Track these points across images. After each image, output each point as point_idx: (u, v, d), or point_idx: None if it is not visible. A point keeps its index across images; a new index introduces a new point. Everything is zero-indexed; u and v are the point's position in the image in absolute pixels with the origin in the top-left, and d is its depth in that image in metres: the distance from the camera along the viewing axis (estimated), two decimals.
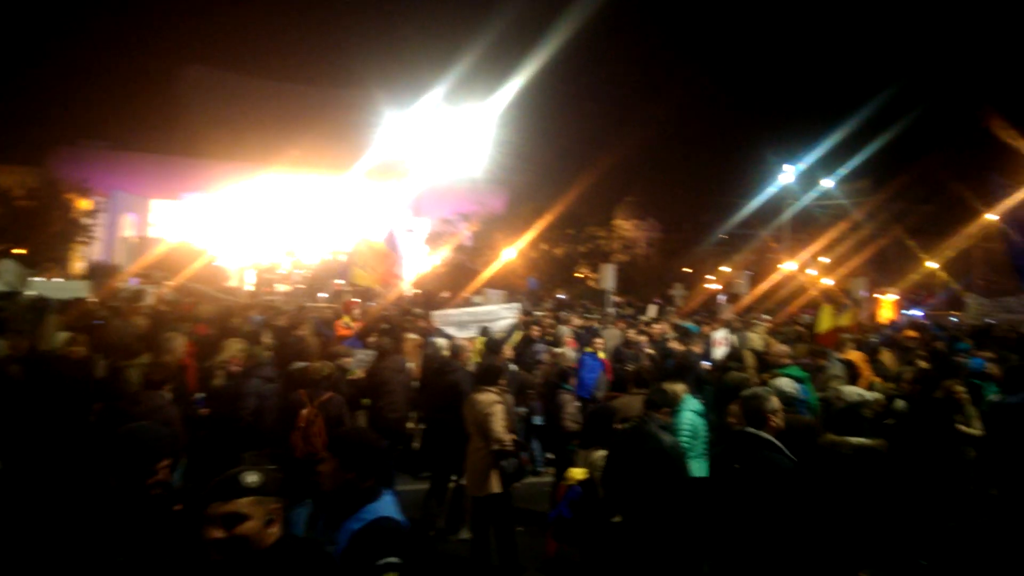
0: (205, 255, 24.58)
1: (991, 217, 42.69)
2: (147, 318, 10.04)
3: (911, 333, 12.53)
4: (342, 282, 25.34)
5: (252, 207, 39.21)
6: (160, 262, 22.23)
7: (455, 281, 36.02)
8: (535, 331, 11.11)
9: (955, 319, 22.34)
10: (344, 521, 2.80)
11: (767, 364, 8.37)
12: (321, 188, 38.20)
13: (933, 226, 53.72)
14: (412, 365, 8.39)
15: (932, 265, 45.11)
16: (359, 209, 37.65)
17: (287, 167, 38.10)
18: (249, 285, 24.70)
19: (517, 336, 11.23)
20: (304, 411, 6.01)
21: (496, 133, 31.60)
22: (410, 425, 8.08)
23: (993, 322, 18.02)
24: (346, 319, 11.95)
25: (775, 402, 4.40)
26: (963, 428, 6.96)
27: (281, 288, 24.03)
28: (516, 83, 28.08)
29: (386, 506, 2.85)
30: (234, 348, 7.08)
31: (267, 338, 9.02)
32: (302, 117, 37.83)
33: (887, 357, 8.84)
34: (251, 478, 2.43)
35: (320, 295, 23.14)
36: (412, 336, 9.65)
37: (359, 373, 8.03)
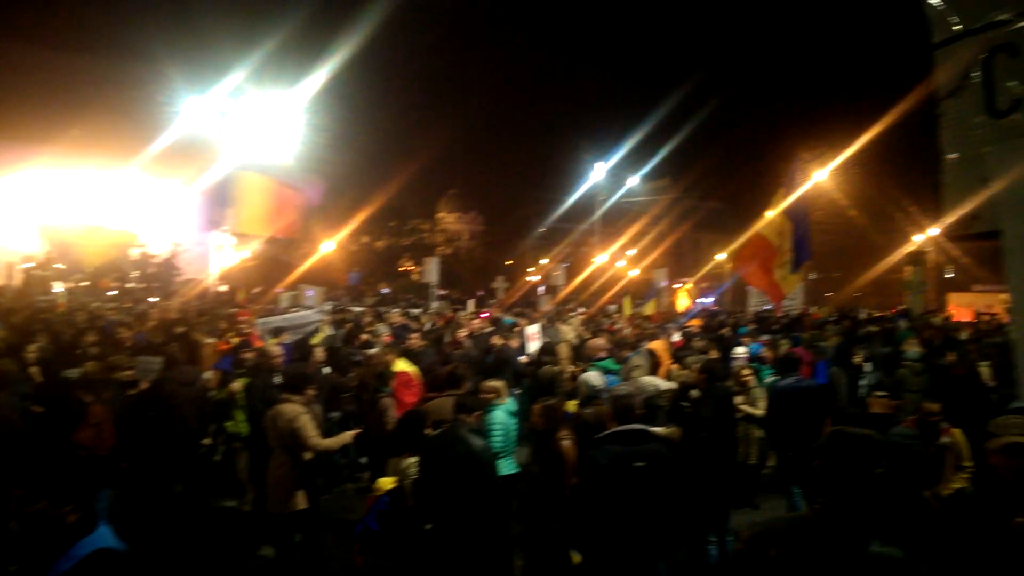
0: None
1: (769, 214, 48.59)
2: None
3: (695, 322, 13.73)
4: (136, 274, 22.88)
5: (23, 193, 34.17)
6: None
7: (267, 276, 34.04)
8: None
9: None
10: (54, 562, 2.50)
11: (585, 357, 8.67)
12: (107, 173, 34.10)
13: (719, 221, 59.94)
14: (209, 375, 7.63)
15: (721, 257, 50.03)
16: (152, 198, 34.12)
17: (66, 149, 33.58)
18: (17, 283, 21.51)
19: (320, 336, 10.72)
20: (94, 409, 5.90)
21: (311, 119, 30.12)
22: (207, 441, 7.37)
23: (768, 308, 20.31)
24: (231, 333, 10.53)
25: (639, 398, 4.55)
26: (748, 409, 7.69)
27: (57, 288, 21.15)
28: (332, 67, 26.88)
29: (103, 538, 2.61)
30: None
31: (34, 350, 7.84)
32: (81, 92, 33.28)
33: (658, 346, 9.53)
34: None
35: (109, 293, 20.73)
36: (209, 340, 8.83)
37: (143, 384, 7.17)
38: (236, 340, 9.38)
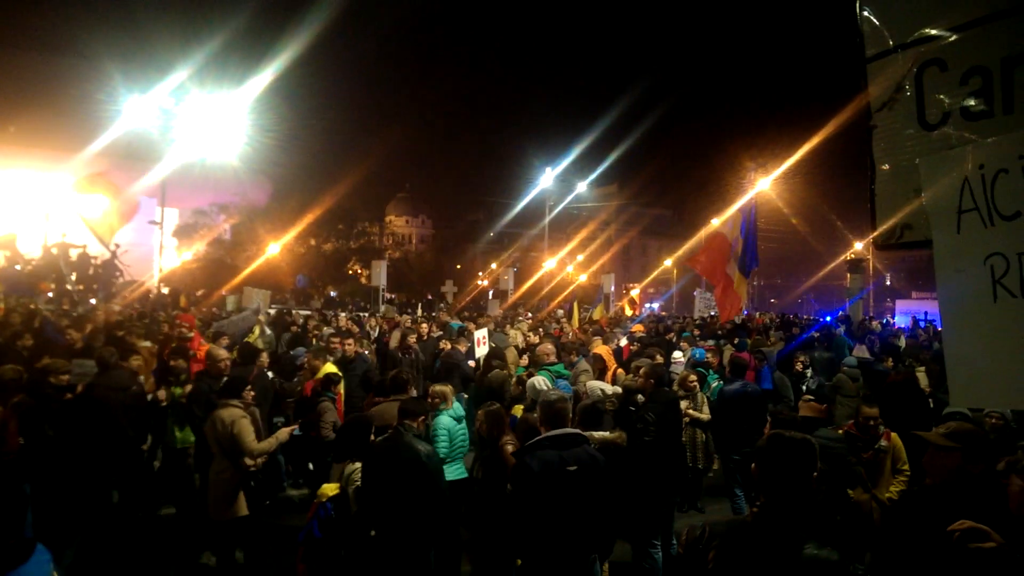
0: None
1: (714, 222, 50.29)
2: None
3: (639, 327, 13.91)
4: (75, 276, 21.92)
5: None
6: None
7: (211, 278, 33.12)
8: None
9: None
10: None
11: (534, 361, 8.66)
12: (44, 172, 32.70)
13: (666, 227, 61.24)
14: (141, 378, 7.30)
15: (667, 263, 51.01)
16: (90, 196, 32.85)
17: (1, 147, 32.09)
18: None
19: (254, 335, 10.45)
20: None
21: (257, 120, 29.43)
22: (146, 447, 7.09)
23: (713, 314, 20.70)
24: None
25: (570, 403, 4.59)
26: (693, 413, 7.79)
27: None
28: (278, 67, 26.33)
29: (35, 568, 2.38)
30: None
31: None
32: (18, 89, 31.92)
33: (604, 351, 9.56)
34: None
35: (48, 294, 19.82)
36: (146, 344, 8.47)
37: (79, 388, 6.83)
38: (173, 345, 8.93)
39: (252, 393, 6.02)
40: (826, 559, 2.20)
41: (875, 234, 2.48)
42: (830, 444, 5.05)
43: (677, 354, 10.25)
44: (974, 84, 2.17)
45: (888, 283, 53.66)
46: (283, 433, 5.98)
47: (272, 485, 7.33)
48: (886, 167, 2.43)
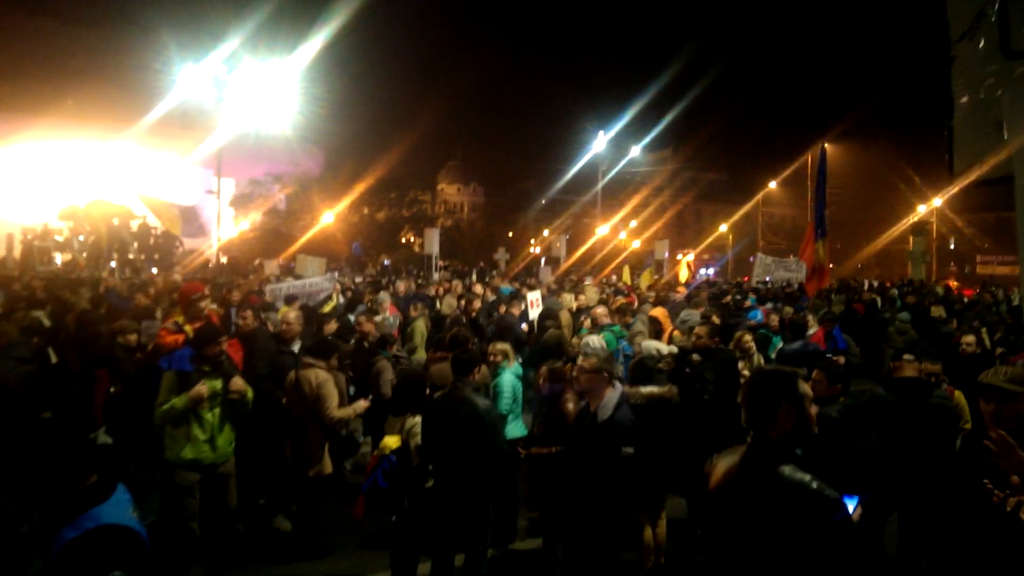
0: None
1: (771, 185, 49.01)
2: None
3: (681, 290, 13.84)
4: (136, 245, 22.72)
5: (22, 163, 34.01)
6: None
7: (268, 247, 33.98)
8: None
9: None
10: (61, 528, 2.31)
11: (593, 323, 8.90)
12: (103, 143, 33.87)
13: (720, 192, 59.88)
14: None
15: (723, 228, 50.00)
16: (149, 167, 33.92)
17: (61, 120, 33.28)
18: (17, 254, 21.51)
19: (331, 305, 10.73)
20: None
21: (308, 89, 29.76)
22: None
23: (769, 279, 20.28)
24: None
25: None
26: (749, 374, 7.70)
27: (59, 259, 21.16)
28: (329, 35, 26.48)
29: (113, 509, 2.41)
30: None
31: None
32: (76, 62, 32.94)
33: (659, 312, 9.50)
34: None
35: (111, 265, 20.68)
36: (212, 307, 8.75)
37: (149, 347, 7.12)
38: (189, 327, 6.55)
39: (336, 362, 6.08)
40: (799, 480, 2.29)
41: (955, 173, 2.38)
42: (946, 404, 4.98)
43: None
44: None
45: (952, 247, 51.48)
46: (360, 405, 6.01)
47: (350, 444, 7.36)
48: (965, 100, 2.32)
